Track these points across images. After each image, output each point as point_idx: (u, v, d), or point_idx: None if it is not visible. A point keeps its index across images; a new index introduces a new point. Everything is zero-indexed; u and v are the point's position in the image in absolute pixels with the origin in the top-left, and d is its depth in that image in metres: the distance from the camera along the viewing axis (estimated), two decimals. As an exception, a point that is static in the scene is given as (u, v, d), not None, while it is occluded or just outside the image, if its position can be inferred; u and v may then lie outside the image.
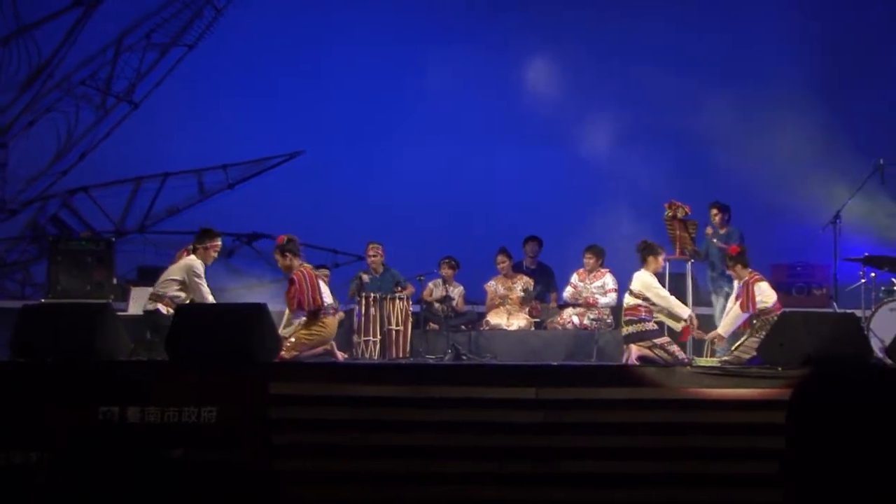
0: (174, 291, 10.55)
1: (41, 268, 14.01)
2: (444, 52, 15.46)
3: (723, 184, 14.29)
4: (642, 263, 10.98)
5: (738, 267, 11.06)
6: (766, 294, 10.86)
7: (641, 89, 15.37)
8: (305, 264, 10.86)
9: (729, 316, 11.15)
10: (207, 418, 8.15)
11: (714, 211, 13.09)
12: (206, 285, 10.55)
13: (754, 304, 10.79)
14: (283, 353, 9.96)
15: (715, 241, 12.89)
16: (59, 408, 8.17)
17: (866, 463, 3.18)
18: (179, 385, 8.28)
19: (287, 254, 10.81)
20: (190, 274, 10.53)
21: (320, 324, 10.71)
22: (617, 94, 15.34)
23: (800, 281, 13.57)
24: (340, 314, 12.31)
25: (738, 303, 10.96)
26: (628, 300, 10.86)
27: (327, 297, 10.94)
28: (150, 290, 10.83)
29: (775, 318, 10.21)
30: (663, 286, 11.44)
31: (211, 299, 10.52)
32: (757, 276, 10.99)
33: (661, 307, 10.82)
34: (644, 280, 10.83)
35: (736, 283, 11.27)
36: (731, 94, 14.94)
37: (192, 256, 10.69)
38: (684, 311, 10.92)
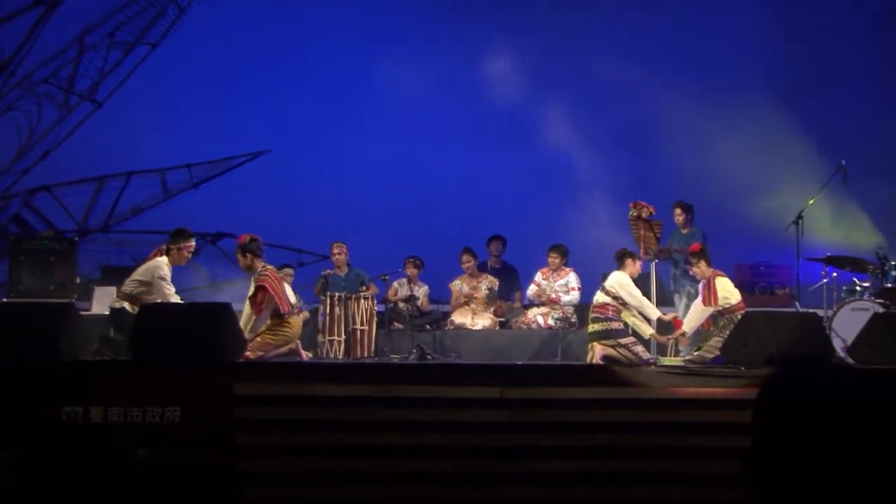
0: (139, 291, 10.50)
1: (3, 267, 13.90)
2: (411, 52, 15.47)
3: (686, 183, 14.37)
4: (619, 266, 11.05)
5: (702, 264, 11.08)
6: (728, 290, 10.90)
7: (604, 90, 15.42)
8: (268, 266, 10.77)
9: (691, 312, 11.21)
10: (171, 418, 8.11)
11: (677, 210, 13.14)
12: (171, 287, 10.48)
13: (716, 297, 10.85)
14: (247, 352, 9.93)
15: (676, 247, 12.91)
16: (22, 408, 8.12)
17: (829, 462, 3.22)
18: (143, 385, 8.24)
19: (248, 254, 10.71)
20: (155, 275, 10.47)
21: (285, 324, 10.66)
22: (580, 95, 15.39)
23: (763, 281, 13.66)
24: (305, 314, 12.30)
25: (700, 297, 11.02)
26: (599, 297, 10.91)
27: (291, 298, 10.93)
28: (114, 289, 10.76)
29: (739, 317, 10.26)
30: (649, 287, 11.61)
31: (175, 301, 10.47)
32: (719, 273, 11.06)
33: (632, 307, 10.89)
34: (620, 279, 10.93)
35: (701, 284, 11.27)
36: (692, 93, 15.02)
37: (163, 258, 10.62)
38: (654, 312, 10.99)
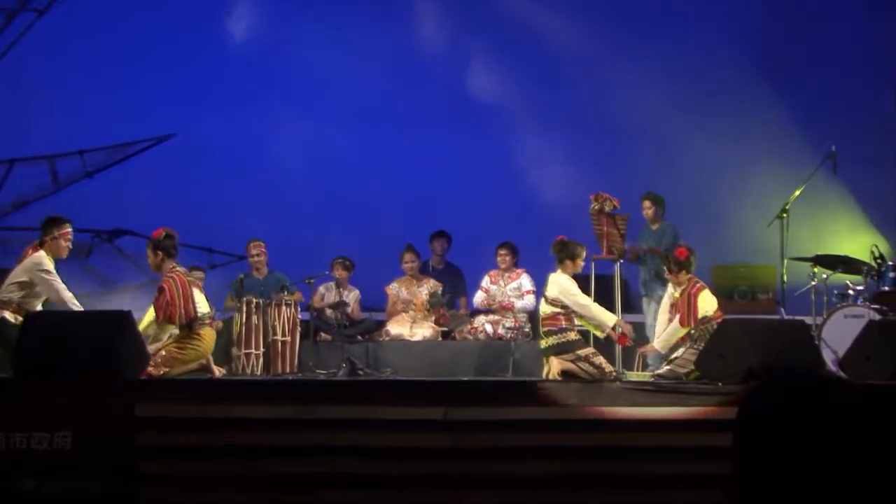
0: (20, 295, 10.39)
1: None
2: (333, 23, 15.46)
3: (655, 173, 14.46)
4: (558, 265, 10.94)
5: (683, 274, 10.99)
6: (708, 302, 10.88)
7: (562, 66, 15.47)
8: (178, 268, 10.67)
9: (667, 332, 11.07)
10: (61, 444, 8.04)
11: (646, 203, 13.16)
12: (59, 280, 10.38)
13: (696, 317, 10.78)
14: (151, 368, 9.86)
15: (645, 247, 12.96)
16: None
17: (819, 489, 3.24)
18: (27, 406, 8.16)
19: (160, 252, 10.61)
20: (35, 271, 10.36)
21: (195, 336, 10.56)
22: (538, 76, 15.43)
23: (742, 284, 13.74)
24: (218, 323, 12.22)
25: (678, 317, 10.92)
26: (544, 308, 10.79)
27: (202, 306, 10.81)
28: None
29: (715, 326, 10.28)
30: (588, 290, 11.48)
31: (69, 296, 10.35)
32: (700, 285, 10.93)
33: (583, 317, 10.83)
34: (561, 284, 10.74)
35: (671, 288, 11.23)
36: (662, 71, 15.10)
37: (39, 252, 10.52)
38: (609, 318, 10.83)
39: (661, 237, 12.81)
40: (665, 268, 11.42)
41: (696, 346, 10.42)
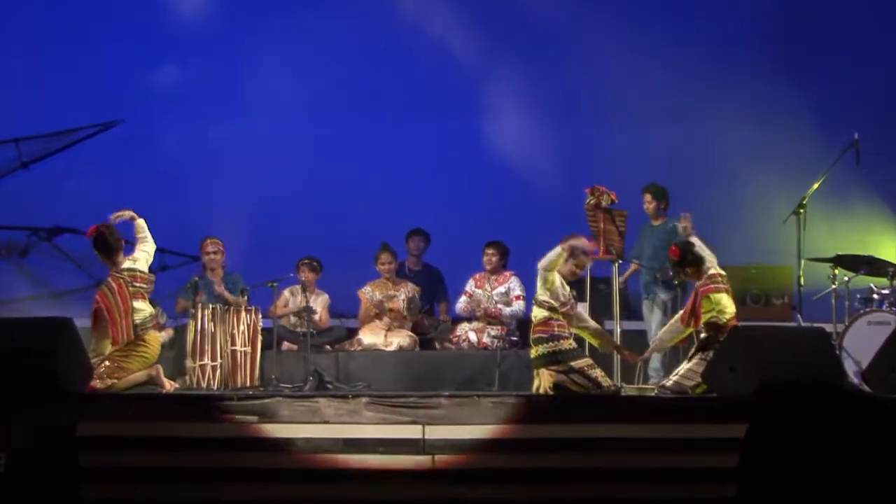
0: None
1: None
2: (295, 10, 15.47)
3: (658, 164, 14.43)
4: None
5: (689, 271, 10.90)
6: (717, 304, 10.76)
7: (558, 51, 15.47)
8: (121, 273, 10.65)
9: (666, 329, 11.03)
10: (-5, 467, 8.05)
11: (647, 197, 13.06)
12: None
13: (698, 319, 10.71)
14: (94, 381, 9.84)
15: (640, 263, 12.91)
16: None
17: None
18: (-44, 424, 8.17)
19: (99, 252, 10.65)
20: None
21: (140, 342, 10.55)
22: (523, 51, 15.43)
23: (755, 287, 13.74)
24: (168, 331, 12.20)
25: (680, 314, 10.88)
26: (535, 313, 10.72)
27: (142, 310, 10.75)
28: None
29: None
30: (584, 294, 11.49)
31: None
32: (713, 286, 10.72)
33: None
34: (547, 282, 10.47)
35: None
36: (666, 50, 15.10)
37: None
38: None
39: (667, 236, 12.66)
40: (672, 275, 11.34)
41: (704, 356, 10.41)
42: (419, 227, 14.22)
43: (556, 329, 10.48)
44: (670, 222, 12.85)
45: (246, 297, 12.90)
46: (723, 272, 10.70)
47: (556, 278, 10.47)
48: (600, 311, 12.12)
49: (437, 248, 14.26)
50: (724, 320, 10.58)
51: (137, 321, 10.55)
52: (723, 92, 15.18)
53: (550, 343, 10.46)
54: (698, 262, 10.78)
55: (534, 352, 10.62)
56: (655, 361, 12.43)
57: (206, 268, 13.35)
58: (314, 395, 11.16)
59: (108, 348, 10.47)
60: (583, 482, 8.30)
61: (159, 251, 12.90)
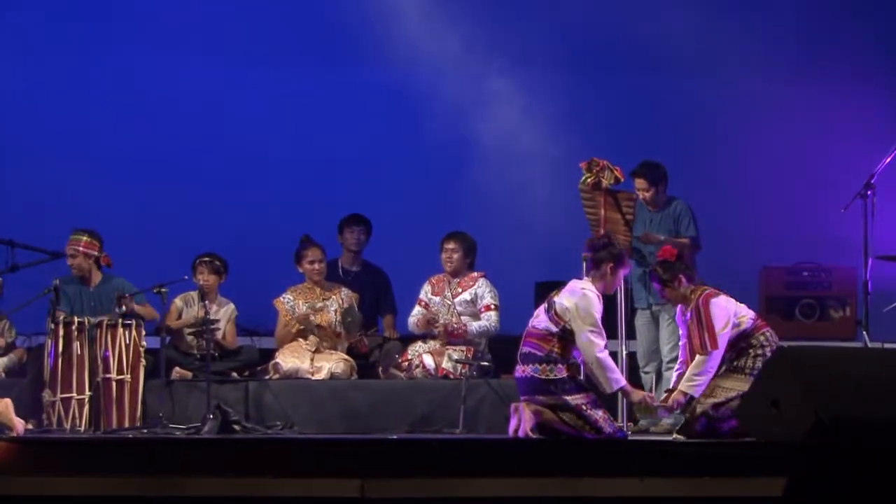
0: None
1: None
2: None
3: (672, 134, 14.50)
4: (594, 271, 10.84)
5: (677, 283, 10.97)
6: (728, 310, 10.86)
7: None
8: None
9: (691, 370, 10.96)
10: None
11: (641, 184, 12.75)
12: None
13: (714, 339, 10.75)
14: None
15: (662, 237, 12.87)
16: None
17: None
18: None
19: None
20: None
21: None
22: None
23: (807, 296, 13.82)
24: (20, 351, 12.23)
25: (695, 342, 10.84)
26: (541, 322, 10.68)
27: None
28: None
29: (762, 341, 10.38)
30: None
31: None
32: (709, 291, 10.93)
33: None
34: (586, 304, 10.57)
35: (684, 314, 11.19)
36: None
37: None
38: (617, 379, 10.74)
39: (674, 223, 12.60)
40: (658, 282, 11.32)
41: (734, 365, 10.52)
42: (357, 213, 14.24)
43: (553, 349, 10.50)
44: (674, 202, 12.86)
45: (145, 304, 12.94)
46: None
47: (593, 301, 10.61)
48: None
49: (380, 241, 14.30)
50: (745, 328, 10.72)
51: None
52: (769, 45, 15.21)
53: (542, 364, 10.48)
54: (690, 273, 10.91)
55: (520, 370, 10.62)
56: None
57: (73, 270, 13.32)
58: (216, 439, 11.29)
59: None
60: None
61: (8, 244, 12.93)
